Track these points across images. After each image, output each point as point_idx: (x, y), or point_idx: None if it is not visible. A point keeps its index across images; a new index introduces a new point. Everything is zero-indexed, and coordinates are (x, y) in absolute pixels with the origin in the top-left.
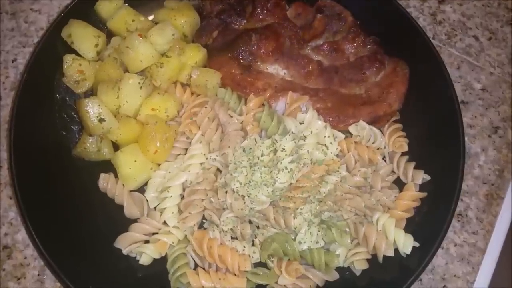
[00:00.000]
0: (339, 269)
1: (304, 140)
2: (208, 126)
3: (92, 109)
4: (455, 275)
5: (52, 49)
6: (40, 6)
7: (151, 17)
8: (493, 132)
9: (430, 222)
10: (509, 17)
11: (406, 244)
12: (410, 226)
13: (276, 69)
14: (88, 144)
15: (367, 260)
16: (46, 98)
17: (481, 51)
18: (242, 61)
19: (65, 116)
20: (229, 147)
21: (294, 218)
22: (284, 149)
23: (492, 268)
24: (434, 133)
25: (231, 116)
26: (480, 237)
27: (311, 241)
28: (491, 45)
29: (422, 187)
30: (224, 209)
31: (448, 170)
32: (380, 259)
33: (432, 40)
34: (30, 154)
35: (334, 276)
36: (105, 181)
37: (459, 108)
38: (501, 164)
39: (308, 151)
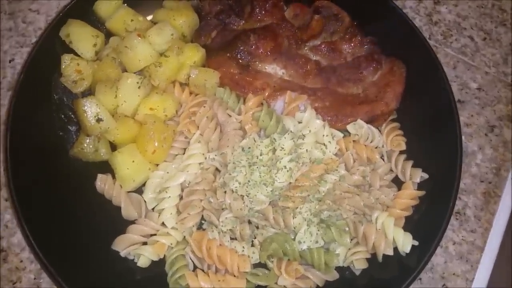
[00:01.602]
0: (338, 269)
1: (303, 139)
2: (207, 126)
3: (89, 109)
4: (454, 274)
5: (50, 49)
6: (38, 6)
7: (150, 17)
8: (490, 131)
9: (429, 220)
10: (503, 18)
11: (405, 243)
12: (409, 225)
13: (274, 69)
14: (85, 145)
15: (367, 259)
16: (44, 98)
17: (476, 51)
18: (240, 61)
19: (63, 116)
20: (227, 146)
21: (293, 218)
22: (283, 148)
23: (491, 266)
24: (432, 132)
25: (230, 116)
26: (479, 235)
27: (310, 241)
28: (486, 45)
29: (420, 186)
30: (223, 209)
31: (446, 168)
32: (380, 258)
33: (428, 40)
34: (27, 155)
35: (334, 275)
36: (102, 182)
37: (456, 107)
38: (498, 162)
39: (307, 150)
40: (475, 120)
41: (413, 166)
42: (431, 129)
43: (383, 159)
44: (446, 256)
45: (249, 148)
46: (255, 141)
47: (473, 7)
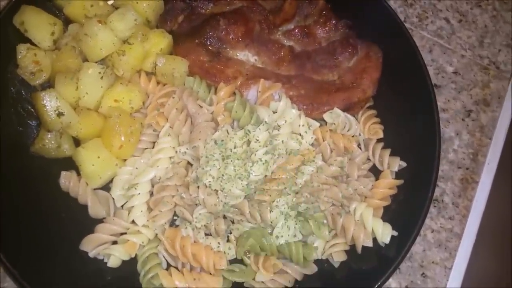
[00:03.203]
0: (317, 262)
1: (278, 130)
2: (177, 118)
3: (49, 103)
4: (433, 262)
5: (3, 39)
6: None
7: (110, 2)
8: (466, 116)
9: (408, 209)
10: None
11: (385, 233)
12: (388, 215)
13: (246, 56)
14: (47, 141)
15: (346, 251)
16: (0, 92)
17: (452, 33)
18: (210, 48)
19: (21, 110)
20: (199, 139)
21: (270, 212)
22: (257, 140)
23: (469, 253)
24: (409, 119)
25: (201, 107)
26: (457, 222)
27: (288, 235)
28: (461, 28)
29: (398, 174)
30: (196, 204)
31: (424, 156)
32: (359, 250)
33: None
34: None
35: (313, 269)
36: (66, 180)
37: (433, 92)
38: (474, 148)
39: (282, 141)
40: (452, 105)
41: (391, 154)
42: (408, 116)
43: (360, 148)
44: (425, 244)
45: (222, 140)
46: (228, 133)
47: None
